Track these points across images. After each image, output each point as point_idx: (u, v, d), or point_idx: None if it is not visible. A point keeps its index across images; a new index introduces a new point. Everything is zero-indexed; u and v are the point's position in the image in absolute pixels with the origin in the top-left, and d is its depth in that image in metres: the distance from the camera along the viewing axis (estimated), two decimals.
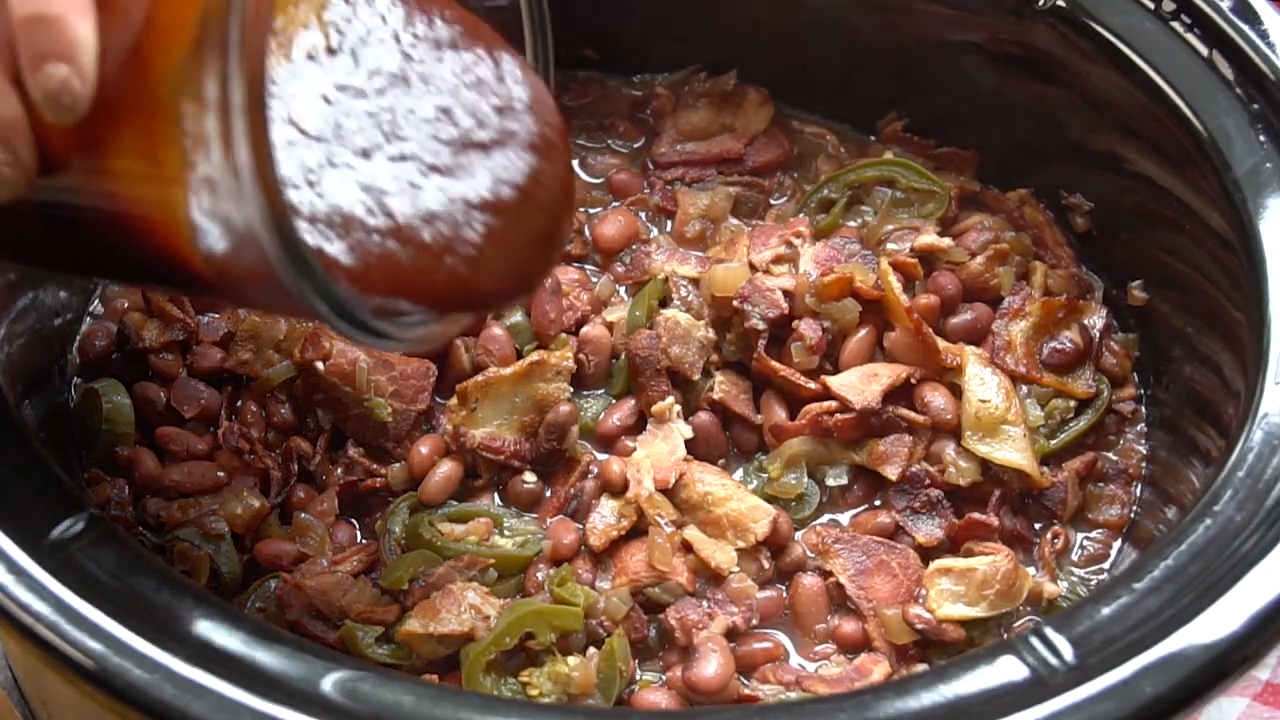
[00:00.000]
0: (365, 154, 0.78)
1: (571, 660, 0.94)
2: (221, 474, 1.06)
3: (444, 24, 0.85)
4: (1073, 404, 1.13)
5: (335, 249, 0.74)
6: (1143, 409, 1.15)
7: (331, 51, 0.80)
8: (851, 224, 1.23)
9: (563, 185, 0.86)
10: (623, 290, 1.19)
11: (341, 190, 0.76)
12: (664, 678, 0.99)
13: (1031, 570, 1.06)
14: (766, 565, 1.04)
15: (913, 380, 1.09)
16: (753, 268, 1.14)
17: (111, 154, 0.72)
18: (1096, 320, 1.15)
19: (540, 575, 1.01)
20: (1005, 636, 1.02)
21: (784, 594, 1.04)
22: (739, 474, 1.10)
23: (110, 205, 0.75)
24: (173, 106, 0.69)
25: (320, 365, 1.07)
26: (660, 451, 1.06)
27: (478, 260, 0.80)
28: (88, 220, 0.76)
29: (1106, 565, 1.09)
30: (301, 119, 0.77)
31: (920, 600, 1.01)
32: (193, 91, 0.68)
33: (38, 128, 0.72)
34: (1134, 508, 1.11)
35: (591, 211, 1.26)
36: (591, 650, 0.96)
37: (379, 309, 0.76)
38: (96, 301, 1.17)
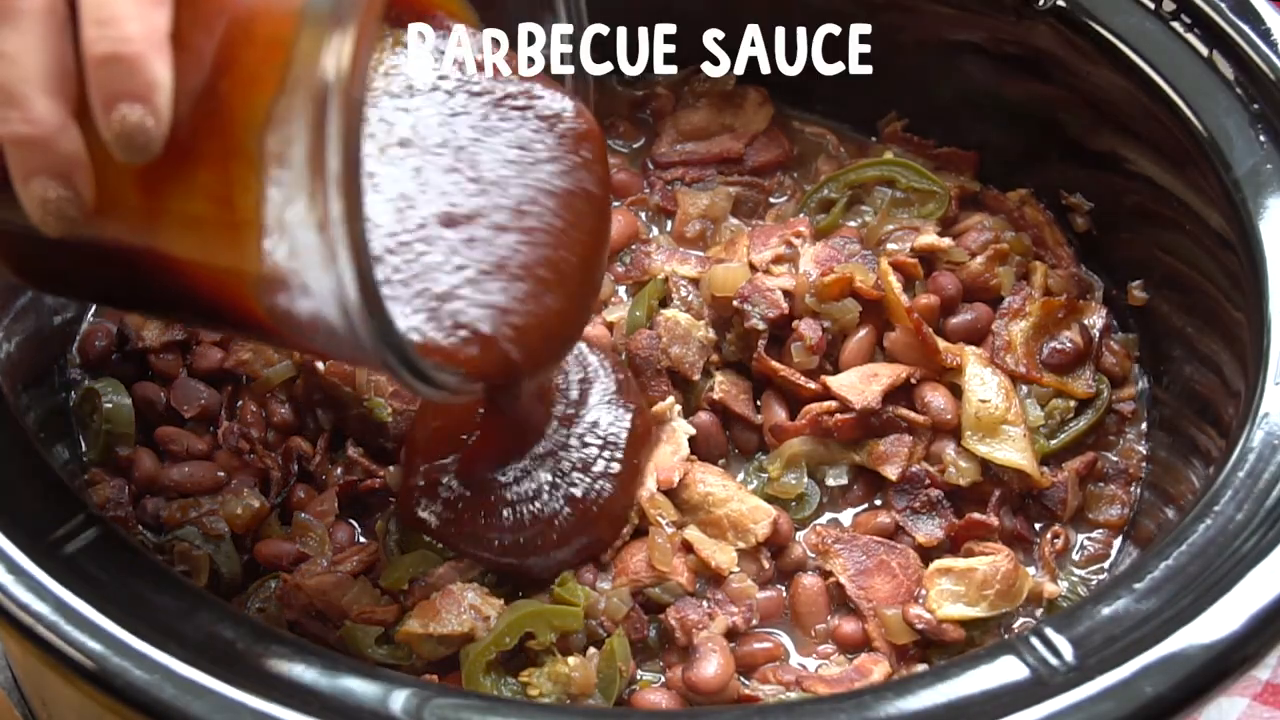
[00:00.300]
0: (426, 221, 0.80)
1: (571, 660, 0.94)
2: (221, 474, 1.06)
3: (499, 88, 0.86)
4: (1073, 404, 1.13)
5: (405, 306, 0.77)
6: (1143, 409, 1.16)
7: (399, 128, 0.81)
8: (851, 224, 1.23)
9: (603, 252, 0.91)
10: (622, 290, 1.19)
11: (405, 250, 0.78)
12: (664, 678, 0.99)
13: (1031, 570, 1.06)
14: (767, 565, 1.04)
15: (913, 380, 1.09)
16: (753, 268, 1.14)
17: (179, 195, 0.71)
18: (1096, 320, 1.15)
19: None
20: (1005, 636, 1.02)
21: (784, 594, 1.04)
22: (739, 474, 1.10)
23: (171, 246, 0.74)
24: (254, 153, 0.68)
25: (320, 365, 1.07)
26: (663, 452, 1.06)
27: (527, 335, 0.83)
28: (144, 259, 0.75)
29: (1106, 565, 1.09)
30: (375, 178, 0.78)
31: (920, 600, 1.01)
32: (279, 141, 0.67)
33: (100, 164, 0.71)
34: (1134, 508, 1.11)
35: None
36: (591, 650, 0.96)
37: (438, 364, 0.78)
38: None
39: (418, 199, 0.80)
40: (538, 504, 0.98)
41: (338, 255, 0.66)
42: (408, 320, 0.78)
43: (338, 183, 0.65)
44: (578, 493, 0.99)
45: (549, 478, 0.99)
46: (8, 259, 0.84)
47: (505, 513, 0.98)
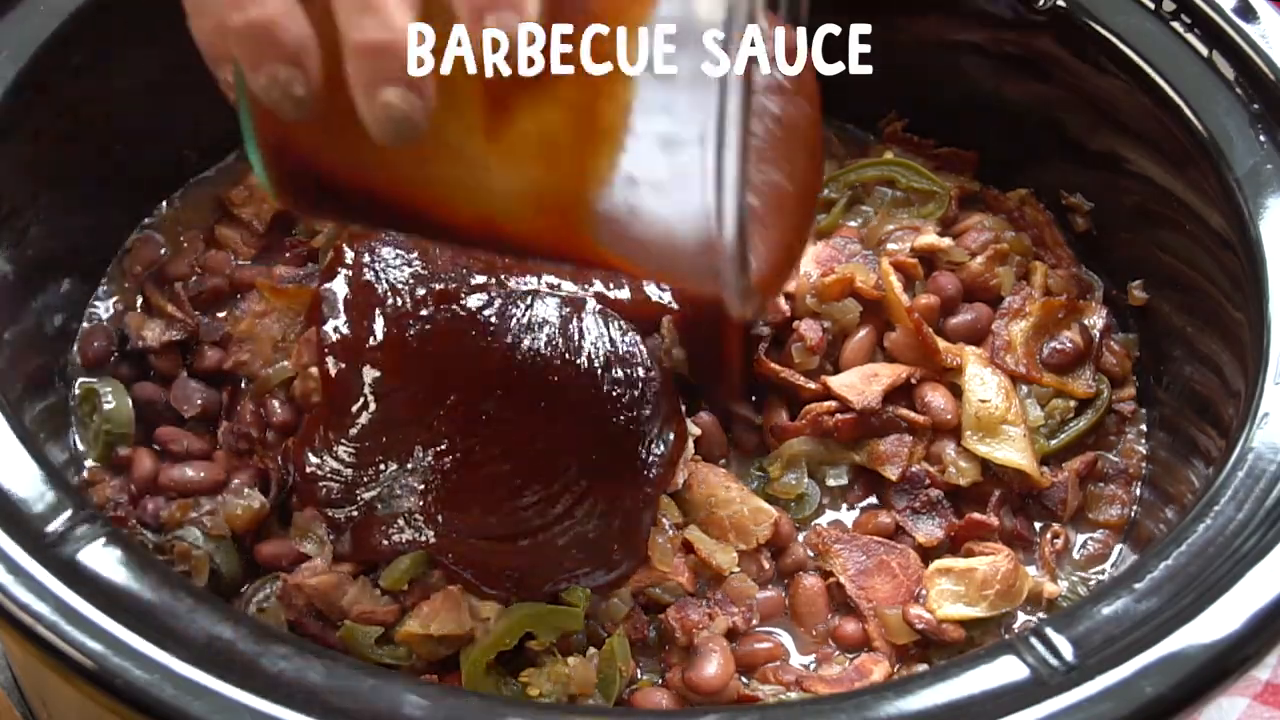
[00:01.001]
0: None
1: (571, 660, 0.94)
2: (222, 474, 1.06)
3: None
4: (1073, 404, 1.13)
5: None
6: (1143, 409, 1.15)
7: None
8: (852, 224, 1.23)
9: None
10: None
11: None
12: (664, 678, 0.99)
13: (1031, 570, 1.06)
14: (767, 565, 1.04)
15: (913, 380, 1.09)
16: None
17: (530, 103, 0.66)
18: (1096, 320, 1.15)
19: None
20: (1005, 636, 1.02)
21: (784, 594, 1.04)
22: (740, 474, 1.10)
23: (506, 163, 0.69)
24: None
25: (313, 372, 1.07)
26: None
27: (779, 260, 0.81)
28: (460, 174, 0.71)
29: (1106, 565, 1.09)
30: None
31: (920, 600, 1.01)
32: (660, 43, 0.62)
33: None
34: (1134, 508, 1.11)
35: None
36: (591, 650, 0.96)
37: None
38: (96, 301, 1.17)
39: None
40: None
41: (725, 169, 0.61)
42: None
43: (736, 86, 0.59)
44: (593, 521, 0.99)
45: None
46: (303, 182, 0.78)
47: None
